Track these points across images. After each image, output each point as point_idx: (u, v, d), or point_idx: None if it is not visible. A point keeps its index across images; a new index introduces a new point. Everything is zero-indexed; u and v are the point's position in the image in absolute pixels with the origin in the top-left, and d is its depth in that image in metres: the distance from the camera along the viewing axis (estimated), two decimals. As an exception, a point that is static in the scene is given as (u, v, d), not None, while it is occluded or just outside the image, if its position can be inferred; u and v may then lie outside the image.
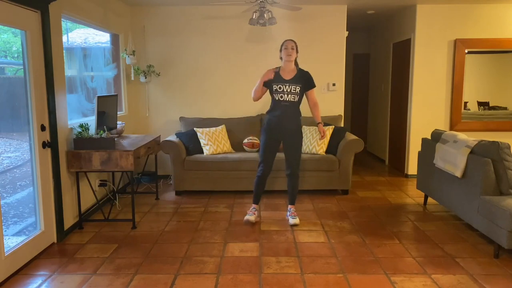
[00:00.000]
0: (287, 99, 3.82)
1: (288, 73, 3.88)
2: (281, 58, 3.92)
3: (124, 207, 4.56)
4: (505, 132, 5.68)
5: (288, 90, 3.82)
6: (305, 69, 3.80)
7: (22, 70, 3.20)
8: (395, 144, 6.45)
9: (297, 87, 3.82)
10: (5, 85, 3.76)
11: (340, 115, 5.62)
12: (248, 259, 3.21)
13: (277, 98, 3.85)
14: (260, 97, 3.94)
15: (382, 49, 7.08)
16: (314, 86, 3.95)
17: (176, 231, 3.83)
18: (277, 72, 3.88)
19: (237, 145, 5.35)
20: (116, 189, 4.79)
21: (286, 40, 3.92)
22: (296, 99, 3.85)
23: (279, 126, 3.88)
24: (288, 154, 3.94)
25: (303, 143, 5.13)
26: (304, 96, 3.98)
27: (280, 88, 3.83)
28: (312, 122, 5.36)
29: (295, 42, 3.90)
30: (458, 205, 3.75)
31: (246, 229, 3.88)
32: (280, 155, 4.04)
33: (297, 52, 3.89)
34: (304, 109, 5.47)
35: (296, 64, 3.93)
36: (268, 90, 3.92)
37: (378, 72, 7.32)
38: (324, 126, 5.17)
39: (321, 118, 5.42)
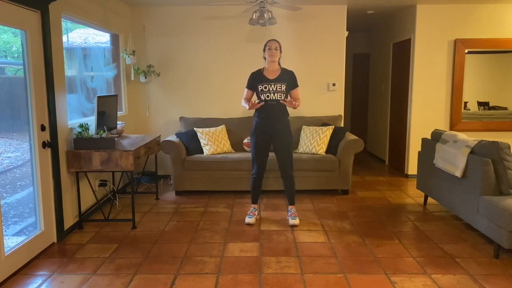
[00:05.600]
0: (274, 98, 3.84)
1: (272, 73, 3.91)
2: (264, 58, 3.95)
3: (124, 207, 4.56)
4: (505, 132, 5.68)
5: (274, 89, 3.84)
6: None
7: (22, 70, 3.20)
8: (395, 144, 6.45)
9: (282, 85, 3.85)
10: (5, 85, 3.76)
11: (340, 115, 5.62)
12: (248, 259, 3.21)
13: (263, 98, 3.87)
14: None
15: (382, 49, 7.08)
16: (297, 85, 3.98)
17: (176, 231, 3.83)
18: (261, 73, 3.93)
19: (237, 145, 5.35)
20: (116, 189, 4.79)
21: (269, 40, 3.94)
22: (283, 97, 3.86)
23: (268, 127, 3.90)
24: (279, 156, 3.95)
25: (303, 143, 5.14)
26: None
27: (265, 87, 3.85)
28: (312, 122, 5.39)
29: (278, 43, 3.92)
30: (458, 205, 3.75)
31: (246, 229, 3.88)
32: (273, 155, 4.07)
33: (280, 52, 3.92)
34: (304, 109, 5.48)
35: (279, 64, 3.96)
36: (255, 93, 3.98)
37: (378, 72, 7.32)
38: (324, 126, 5.20)
39: (320, 118, 5.48)
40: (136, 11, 5.56)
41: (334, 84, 5.68)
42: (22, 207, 3.57)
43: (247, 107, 3.89)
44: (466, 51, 5.58)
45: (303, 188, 4.90)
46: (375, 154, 7.50)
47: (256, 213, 4.10)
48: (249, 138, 5.19)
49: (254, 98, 4.02)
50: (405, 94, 5.97)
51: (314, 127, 5.19)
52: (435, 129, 4.36)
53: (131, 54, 5.21)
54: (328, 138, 5.06)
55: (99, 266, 3.11)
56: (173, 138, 5.06)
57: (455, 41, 5.57)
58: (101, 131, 3.86)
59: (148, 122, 5.76)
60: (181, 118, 5.55)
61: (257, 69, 4.01)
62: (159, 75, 5.61)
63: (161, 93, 5.71)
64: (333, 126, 5.17)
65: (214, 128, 5.25)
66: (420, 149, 4.61)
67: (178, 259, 3.22)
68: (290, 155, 3.97)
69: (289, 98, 3.93)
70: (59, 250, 3.43)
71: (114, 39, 5.27)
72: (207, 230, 3.85)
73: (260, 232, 3.79)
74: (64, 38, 4.06)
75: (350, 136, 5.03)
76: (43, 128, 3.33)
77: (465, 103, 5.73)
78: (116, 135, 4.46)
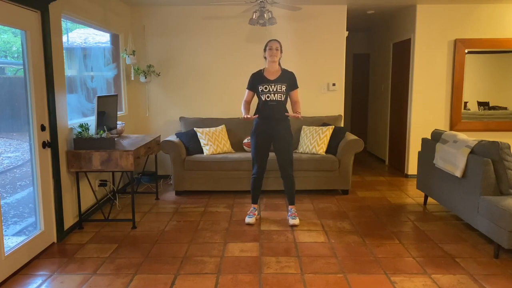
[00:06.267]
0: (274, 99, 3.85)
1: (273, 74, 3.92)
2: (265, 57, 3.95)
3: (124, 207, 4.56)
4: (505, 132, 5.68)
5: (274, 90, 3.85)
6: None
7: (22, 70, 3.20)
8: (395, 144, 6.45)
9: (282, 86, 3.86)
10: (5, 85, 3.76)
11: (340, 115, 5.62)
12: (248, 259, 3.21)
13: (263, 99, 3.88)
14: (250, 105, 4.03)
15: (382, 49, 7.08)
16: (297, 87, 3.99)
17: (176, 231, 3.83)
18: (261, 73, 3.95)
19: (237, 145, 5.35)
20: (116, 189, 4.79)
21: (270, 40, 3.95)
22: (283, 98, 3.88)
23: (268, 128, 3.91)
24: (279, 156, 3.96)
25: (303, 143, 5.14)
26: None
27: (266, 88, 3.86)
28: (311, 122, 5.38)
29: (279, 43, 3.93)
30: (458, 205, 3.75)
31: (246, 229, 3.88)
32: (273, 155, 4.07)
33: (281, 52, 3.92)
34: (304, 109, 5.46)
35: (279, 64, 3.97)
36: (255, 94, 3.99)
37: (378, 72, 7.32)
38: (324, 126, 5.20)
39: (320, 118, 5.48)
40: (136, 11, 5.56)
41: (334, 84, 5.68)
42: (22, 207, 3.57)
43: (244, 114, 3.91)
44: (466, 51, 5.58)
45: (303, 188, 4.90)
46: (375, 154, 7.51)
47: (256, 213, 4.10)
48: (249, 138, 5.19)
49: (255, 100, 4.03)
50: (405, 94, 5.97)
51: (314, 127, 5.19)
52: (435, 129, 4.36)
53: (131, 54, 5.21)
54: (328, 138, 5.06)
55: (99, 266, 3.11)
56: (173, 138, 5.06)
57: (455, 41, 5.57)
58: (101, 131, 3.86)
59: (148, 122, 5.76)
60: (181, 118, 5.55)
61: (257, 69, 4.01)
62: (159, 75, 5.61)
63: (161, 93, 5.71)
64: (333, 126, 5.17)
65: (214, 128, 5.25)
66: (420, 149, 4.61)
67: (178, 259, 3.22)
68: (290, 155, 3.97)
69: (289, 103, 3.94)
70: (59, 250, 3.43)
71: (114, 39, 5.27)
72: (207, 230, 3.85)
73: (260, 232, 3.79)
74: (64, 38, 4.06)
75: (350, 136, 5.03)
76: (43, 128, 3.33)
77: (465, 103, 5.73)
78: (116, 135, 4.46)
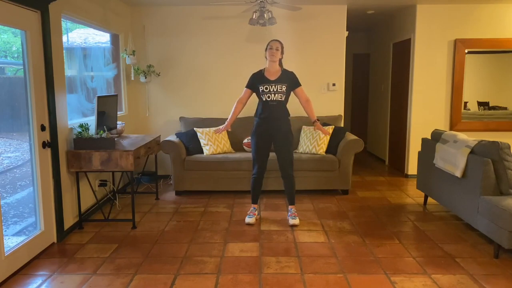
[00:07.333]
0: (274, 99, 3.86)
1: (273, 74, 3.92)
2: (266, 57, 3.95)
3: (124, 207, 4.56)
4: (505, 132, 5.68)
5: (275, 90, 3.85)
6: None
7: (22, 70, 3.20)
8: (395, 144, 6.45)
9: (283, 86, 3.87)
10: (5, 85, 3.76)
11: (340, 115, 5.62)
12: (248, 259, 3.21)
13: (264, 99, 3.88)
14: (243, 107, 4.05)
15: (382, 49, 7.08)
16: (300, 84, 3.99)
17: (176, 231, 3.83)
18: (262, 74, 3.95)
19: (237, 145, 5.35)
20: (116, 189, 4.79)
21: (271, 40, 3.95)
22: (283, 98, 3.88)
23: (268, 128, 3.91)
24: (280, 156, 3.96)
25: (303, 143, 5.14)
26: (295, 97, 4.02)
27: (266, 88, 3.87)
28: (311, 122, 5.37)
29: (280, 43, 3.93)
30: (458, 205, 3.75)
31: (246, 229, 3.88)
32: (274, 155, 4.07)
33: (282, 53, 3.93)
34: (300, 109, 5.45)
35: (280, 64, 3.97)
36: (254, 94, 4.00)
37: (378, 72, 7.32)
38: (324, 126, 5.19)
39: (320, 118, 5.48)
40: (136, 11, 5.56)
41: (334, 84, 5.68)
42: (22, 207, 3.57)
43: (226, 123, 3.97)
44: (466, 51, 5.58)
45: (303, 188, 4.90)
46: (375, 154, 7.50)
47: (256, 213, 4.11)
48: (249, 138, 5.19)
49: (255, 100, 4.02)
50: (405, 94, 5.97)
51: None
52: (435, 129, 4.36)
53: (131, 54, 5.21)
54: (328, 138, 5.06)
55: (99, 266, 3.11)
56: (173, 138, 5.06)
57: (455, 41, 5.57)
58: (101, 131, 3.86)
59: (148, 122, 5.77)
60: (181, 118, 5.55)
61: (258, 69, 4.01)
62: (159, 75, 5.61)
63: (161, 93, 5.71)
64: (333, 126, 5.17)
65: (214, 128, 5.25)
66: (420, 149, 4.61)
67: (178, 259, 3.22)
68: (291, 155, 3.98)
69: (317, 124, 3.99)
70: (59, 250, 3.43)
71: (114, 39, 5.26)
72: (207, 230, 3.85)
73: (260, 232, 3.79)
74: (64, 38, 4.06)
75: (350, 136, 5.03)
76: (43, 128, 3.33)
77: (465, 103, 5.73)
78: (116, 135, 4.46)
